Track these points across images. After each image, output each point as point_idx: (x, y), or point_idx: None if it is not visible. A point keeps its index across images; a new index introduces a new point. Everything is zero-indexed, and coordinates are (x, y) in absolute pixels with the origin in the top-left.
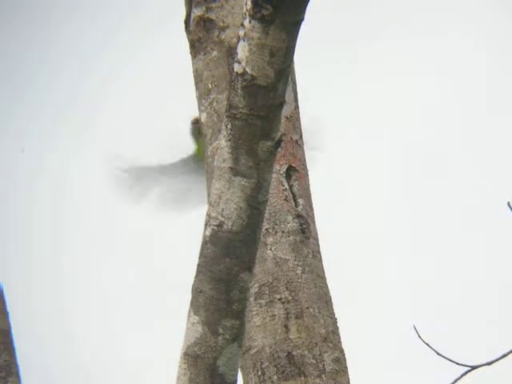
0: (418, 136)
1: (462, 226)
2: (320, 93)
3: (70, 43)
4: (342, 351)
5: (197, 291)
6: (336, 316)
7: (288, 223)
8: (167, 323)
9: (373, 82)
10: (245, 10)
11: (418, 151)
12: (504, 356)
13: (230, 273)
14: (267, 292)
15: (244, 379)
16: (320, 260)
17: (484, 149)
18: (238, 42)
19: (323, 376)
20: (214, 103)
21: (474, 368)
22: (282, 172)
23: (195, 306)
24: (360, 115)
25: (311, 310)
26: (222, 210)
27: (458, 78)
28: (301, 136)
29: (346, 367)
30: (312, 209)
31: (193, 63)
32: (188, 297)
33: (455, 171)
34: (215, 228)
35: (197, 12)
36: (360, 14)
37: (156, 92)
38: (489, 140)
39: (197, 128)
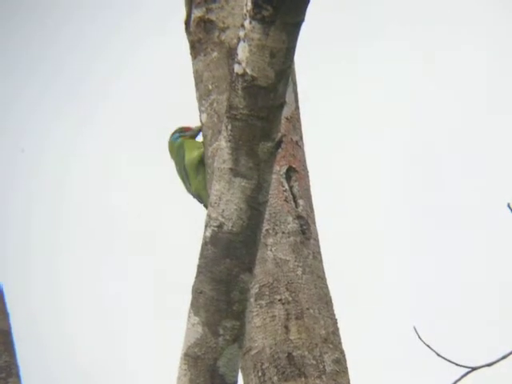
0: (417, 136)
1: (462, 227)
2: (320, 93)
3: (69, 43)
4: (342, 352)
5: (197, 292)
6: (336, 317)
7: (288, 224)
8: (167, 324)
9: (373, 82)
10: (245, 10)
11: (417, 151)
12: (504, 357)
13: (231, 274)
14: (267, 293)
15: (244, 380)
16: (320, 261)
17: (484, 149)
18: (238, 43)
19: (323, 377)
20: (215, 104)
21: (474, 369)
22: (282, 173)
23: (195, 306)
24: (360, 115)
25: (311, 310)
26: (223, 210)
27: (458, 78)
28: (301, 137)
29: (347, 368)
30: (312, 210)
31: (193, 64)
32: (188, 297)
33: (455, 171)
34: (215, 229)
35: (197, 13)
36: (360, 14)
37: (156, 92)
38: (489, 140)
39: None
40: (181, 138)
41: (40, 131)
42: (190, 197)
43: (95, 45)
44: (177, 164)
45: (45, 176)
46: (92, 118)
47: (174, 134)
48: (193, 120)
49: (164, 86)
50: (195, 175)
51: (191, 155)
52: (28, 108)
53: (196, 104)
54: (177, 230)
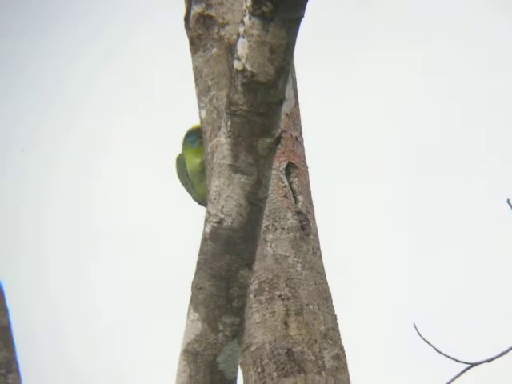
0: (417, 135)
1: (462, 223)
2: (320, 88)
3: (62, 38)
4: (341, 348)
5: (197, 288)
6: (336, 313)
7: (288, 220)
8: (167, 320)
9: (373, 82)
10: (245, 6)
11: (417, 150)
12: (504, 353)
13: (230, 270)
14: (267, 289)
15: (244, 376)
16: (320, 257)
17: (483, 148)
18: (237, 39)
19: (323, 373)
20: (214, 100)
21: (473, 365)
22: (281, 169)
23: (195, 302)
24: (360, 111)
25: (311, 306)
26: (222, 206)
27: (458, 79)
28: (301, 133)
29: (346, 364)
30: (312, 205)
31: (192, 60)
32: (187, 294)
33: (455, 170)
34: (215, 225)
35: (196, 9)
36: (360, 20)
37: (154, 91)
38: (488, 140)
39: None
40: (198, 141)
41: (26, 130)
42: (196, 204)
43: (92, 41)
44: (179, 175)
45: (33, 174)
46: (85, 114)
47: (188, 135)
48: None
49: (163, 82)
50: (199, 182)
51: (193, 164)
52: (14, 107)
53: (195, 100)
54: (173, 227)
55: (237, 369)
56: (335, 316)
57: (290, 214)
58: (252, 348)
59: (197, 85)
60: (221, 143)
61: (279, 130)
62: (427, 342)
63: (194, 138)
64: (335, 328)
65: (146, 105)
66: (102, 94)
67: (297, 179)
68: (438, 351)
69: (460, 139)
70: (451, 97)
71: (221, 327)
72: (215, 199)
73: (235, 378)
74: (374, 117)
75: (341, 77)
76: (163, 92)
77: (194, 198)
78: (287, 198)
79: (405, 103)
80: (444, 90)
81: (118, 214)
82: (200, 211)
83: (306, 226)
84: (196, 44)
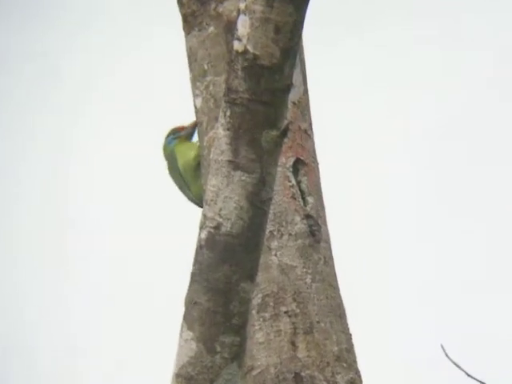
0: (420, 132)
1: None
2: (330, 76)
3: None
4: (357, 372)
5: (191, 303)
6: (351, 332)
7: (296, 224)
8: (156, 341)
9: (379, 67)
10: None
11: (421, 145)
12: None
13: (229, 282)
14: (272, 304)
15: None
16: (332, 267)
17: (484, 148)
18: (238, 16)
19: None
20: (211, 86)
21: None
22: (288, 166)
23: (189, 320)
24: (365, 105)
25: (322, 324)
26: (220, 209)
27: (466, 59)
28: (310, 124)
29: None
30: (323, 208)
31: (186, 41)
32: (180, 310)
33: (460, 169)
34: (212, 230)
35: None
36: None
37: (144, 75)
38: (492, 136)
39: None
40: (175, 141)
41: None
42: (193, 205)
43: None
44: (171, 173)
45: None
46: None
47: (167, 137)
48: (184, 108)
49: (153, 66)
50: (194, 179)
51: (186, 157)
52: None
53: (189, 86)
54: (161, 232)
55: None
56: (350, 335)
57: (298, 218)
58: (254, 372)
59: (191, 69)
60: (218, 136)
61: (286, 122)
62: (456, 364)
63: (172, 137)
64: (350, 349)
65: (133, 96)
66: (89, 86)
67: (306, 178)
68: (468, 375)
69: (467, 123)
70: (459, 77)
71: (218, 348)
72: (212, 201)
73: None
74: (379, 106)
75: (345, 58)
76: (153, 78)
77: (189, 199)
78: (295, 199)
79: (411, 87)
80: (452, 69)
81: (95, 223)
82: (195, 214)
83: (316, 231)
84: (190, 22)
